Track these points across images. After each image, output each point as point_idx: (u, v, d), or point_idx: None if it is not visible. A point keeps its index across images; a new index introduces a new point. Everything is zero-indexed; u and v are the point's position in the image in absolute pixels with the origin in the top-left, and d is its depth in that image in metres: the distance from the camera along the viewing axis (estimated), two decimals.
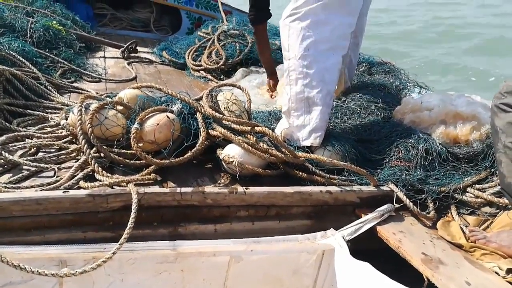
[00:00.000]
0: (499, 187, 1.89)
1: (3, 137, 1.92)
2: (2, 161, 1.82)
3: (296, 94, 2.17)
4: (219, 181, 1.94)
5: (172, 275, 1.62)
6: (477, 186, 2.02)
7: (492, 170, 2.07)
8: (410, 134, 2.24)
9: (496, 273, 1.56)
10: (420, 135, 2.22)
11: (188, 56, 3.99)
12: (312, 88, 2.14)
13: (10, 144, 1.97)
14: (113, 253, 1.45)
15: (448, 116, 2.37)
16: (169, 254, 1.57)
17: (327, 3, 2.09)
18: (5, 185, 1.65)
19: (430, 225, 1.88)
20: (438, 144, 2.20)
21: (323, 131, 2.15)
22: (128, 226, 1.50)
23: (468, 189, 2.01)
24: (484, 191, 1.97)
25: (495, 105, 1.80)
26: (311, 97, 2.15)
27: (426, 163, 2.11)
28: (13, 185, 1.67)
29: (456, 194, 1.98)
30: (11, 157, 1.83)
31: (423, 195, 1.95)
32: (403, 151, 2.16)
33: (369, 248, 1.73)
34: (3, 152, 1.82)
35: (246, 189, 1.79)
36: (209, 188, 1.76)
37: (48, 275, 1.36)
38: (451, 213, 1.94)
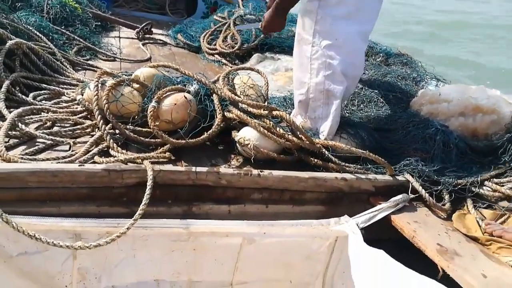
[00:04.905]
0: None
1: (19, 110, 1.91)
2: (18, 132, 1.82)
3: (316, 85, 2.10)
4: (232, 163, 1.93)
5: (184, 254, 1.63)
6: (495, 180, 1.98)
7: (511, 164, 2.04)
8: (427, 125, 2.20)
9: None
10: (438, 126, 2.18)
11: (203, 39, 3.94)
12: (334, 81, 2.07)
13: (26, 117, 1.97)
14: (127, 229, 1.45)
15: (467, 109, 2.33)
16: (182, 232, 1.57)
17: None
18: (21, 156, 1.65)
19: (445, 217, 1.85)
20: (456, 137, 2.16)
21: (337, 125, 2.12)
22: (143, 202, 1.50)
23: (486, 182, 1.97)
24: (502, 185, 1.93)
25: None
26: (331, 90, 2.08)
27: (443, 155, 2.08)
28: (29, 157, 1.67)
29: (473, 187, 1.95)
30: (27, 129, 1.83)
31: (439, 187, 1.92)
32: (420, 142, 2.13)
33: (382, 237, 1.71)
34: (19, 124, 1.83)
35: (261, 171, 1.77)
36: (224, 169, 1.75)
37: (63, 247, 1.37)
38: (467, 206, 1.91)
